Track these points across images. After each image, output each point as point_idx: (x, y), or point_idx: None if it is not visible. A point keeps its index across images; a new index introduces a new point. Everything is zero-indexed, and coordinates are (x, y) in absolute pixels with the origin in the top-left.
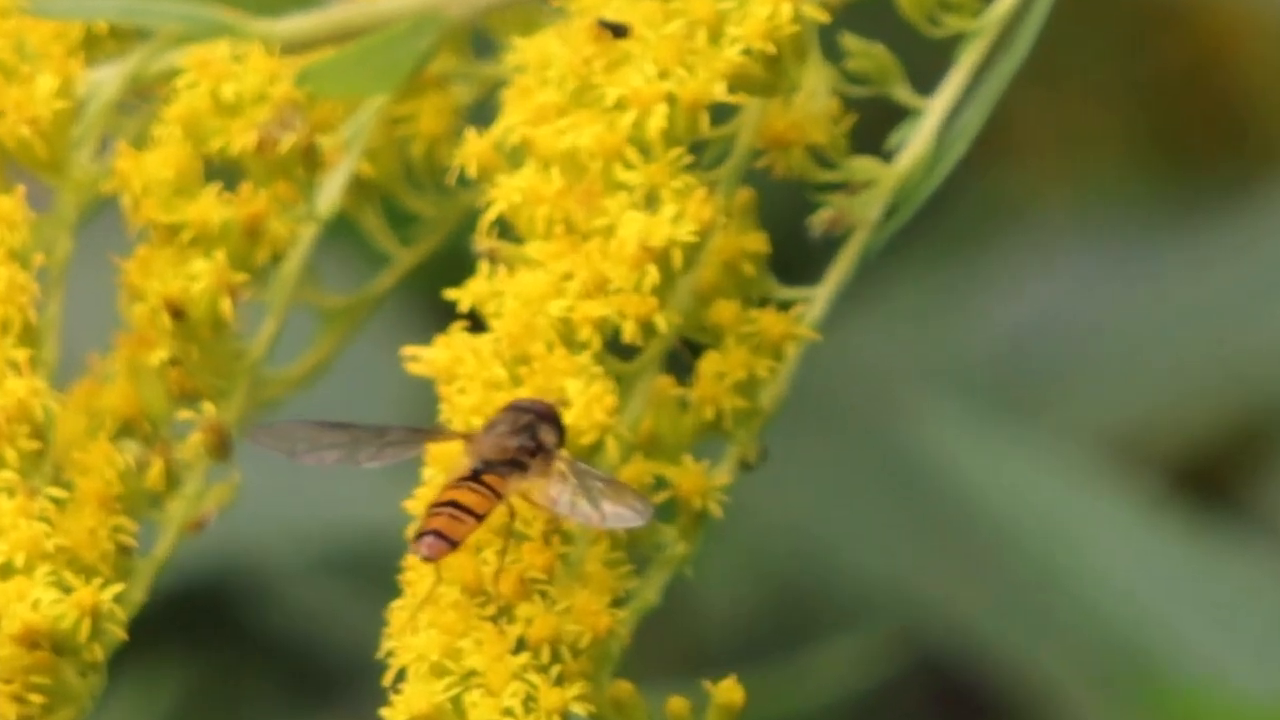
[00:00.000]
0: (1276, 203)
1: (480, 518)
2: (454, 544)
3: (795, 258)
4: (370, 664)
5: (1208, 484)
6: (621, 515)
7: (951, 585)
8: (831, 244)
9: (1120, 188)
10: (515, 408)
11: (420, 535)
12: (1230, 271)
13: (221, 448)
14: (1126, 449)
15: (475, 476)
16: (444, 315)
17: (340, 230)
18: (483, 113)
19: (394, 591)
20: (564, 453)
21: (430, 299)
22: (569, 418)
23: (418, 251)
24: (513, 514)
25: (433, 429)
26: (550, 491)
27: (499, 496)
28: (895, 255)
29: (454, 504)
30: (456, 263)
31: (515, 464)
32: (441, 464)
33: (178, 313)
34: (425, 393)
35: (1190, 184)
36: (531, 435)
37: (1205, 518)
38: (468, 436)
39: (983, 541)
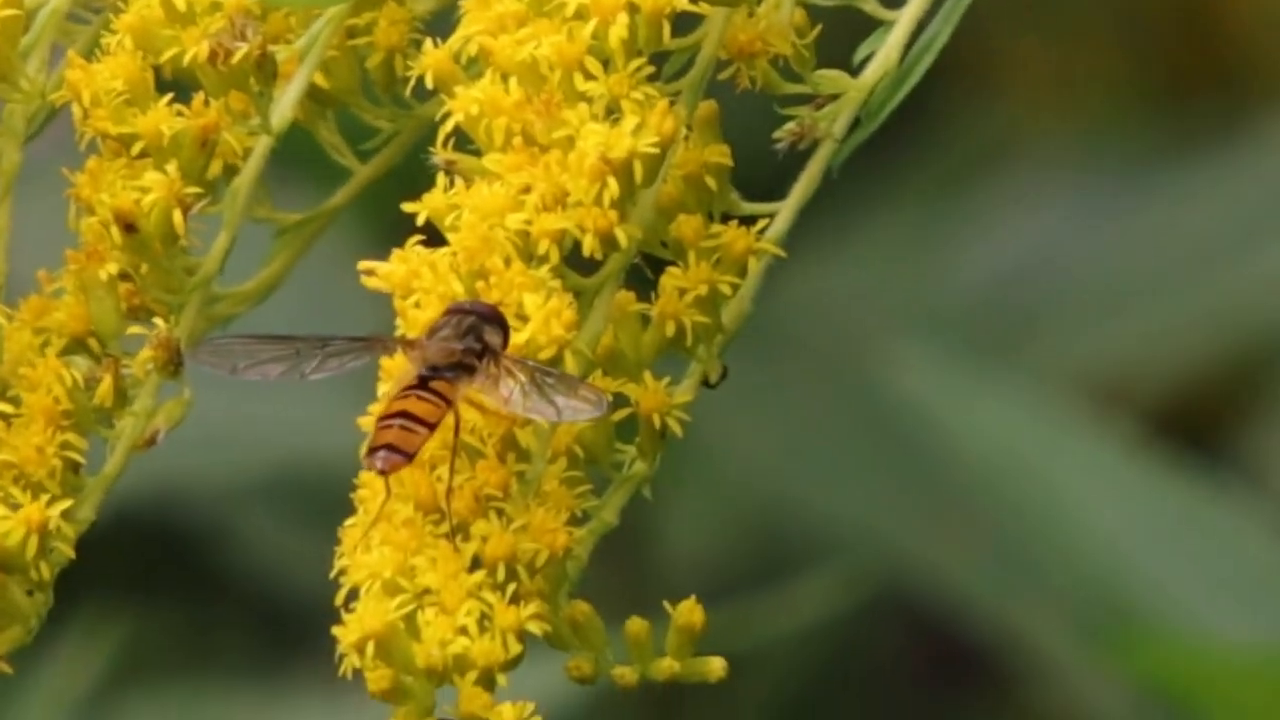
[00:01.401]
0: (1266, 142)
1: (432, 427)
2: (409, 456)
3: (759, 174)
4: (327, 592)
5: (1192, 429)
6: (577, 408)
7: (927, 530)
8: (795, 159)
9: (1110, 127)
10: (457, 310)
11: (373, 450)
12: (1219, 211)
13: (172, 364)
14: (1109, 393)
15: (423, 384)
16: (401, 231)
17: (295, 144)
18: (442, 25)
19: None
20: (511, 353)
21: (387, 214)
22: (526, 332)
23: (374, 166)
24: (458, 428)
25: (375, 337)
26: (501, 391)
27: (449, 404)
28: (881, 194)
29: (404, 414)
30: (413, 177)
31: (462, 367)
32: (395, 379)
33: (129, 226)
34: (383, 309)
35: (1180, 123)
36: (476, 337)
37: (1188, 463)
38: (411, 343)
39: (958, 486)
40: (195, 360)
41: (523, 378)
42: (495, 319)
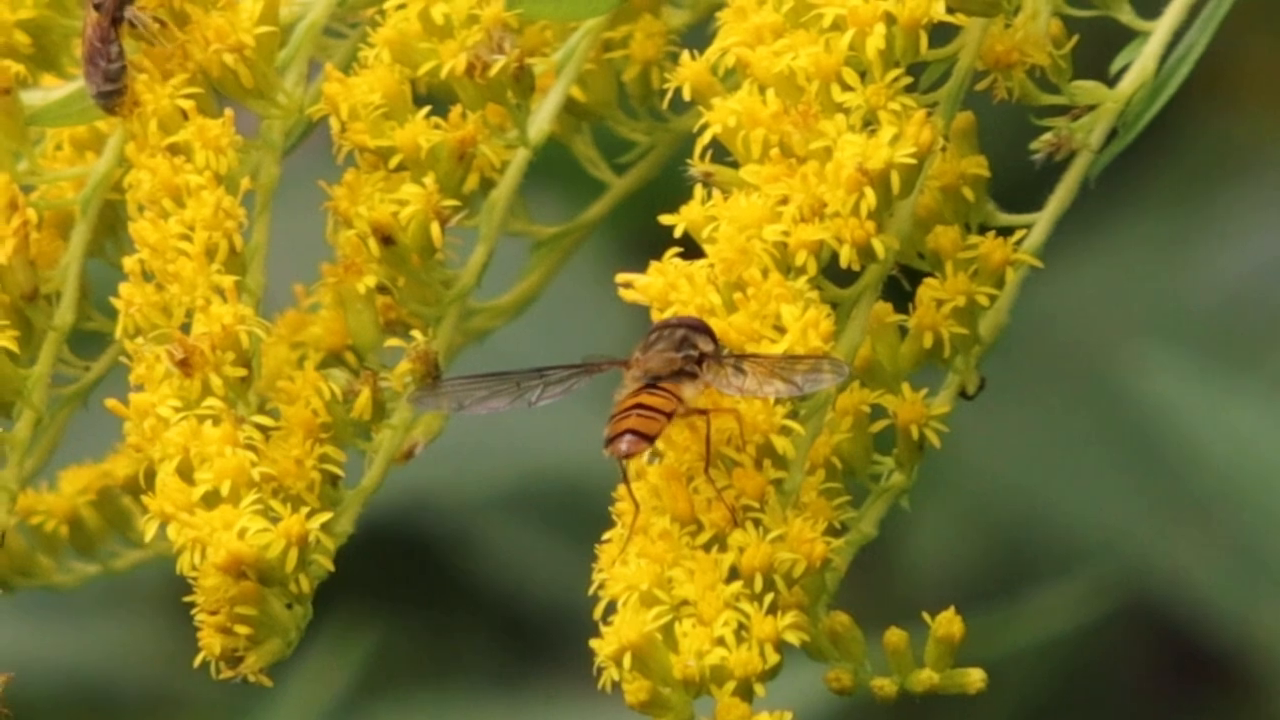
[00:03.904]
0: None
1: (669, 416)
2: (650, 439)
3: (1015, 184)
4: (573, 601)
5: None
6: (817, 379)
7: (1171, 537)
8: (1051, 168)
9: None
10: (666, 325)
11: (614, 437)
12: None
13: (430, 377)
14: None
15: (651, 386)
16: (655, 245)
17: (551, 157)
18: (697, 37)
19: (599, 534)
20: (729, 351)
21: (643, 227)
22: (784, 343)
23: (631, 179)
24: (710, 436)
25: (591, 362)
26: (734, 382)
27: (680, 400)
28: (1123, 203)
29: (640, 405)
30: (669, 190)
31: (684, 373)
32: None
33: (386, 239)
34: (640, 321)
35: None
36: (691, 345)
37: None
38: (627, 363)
39: (1203, 491)
40: (419, 406)
41: (758, 368)
42: (702, 328)
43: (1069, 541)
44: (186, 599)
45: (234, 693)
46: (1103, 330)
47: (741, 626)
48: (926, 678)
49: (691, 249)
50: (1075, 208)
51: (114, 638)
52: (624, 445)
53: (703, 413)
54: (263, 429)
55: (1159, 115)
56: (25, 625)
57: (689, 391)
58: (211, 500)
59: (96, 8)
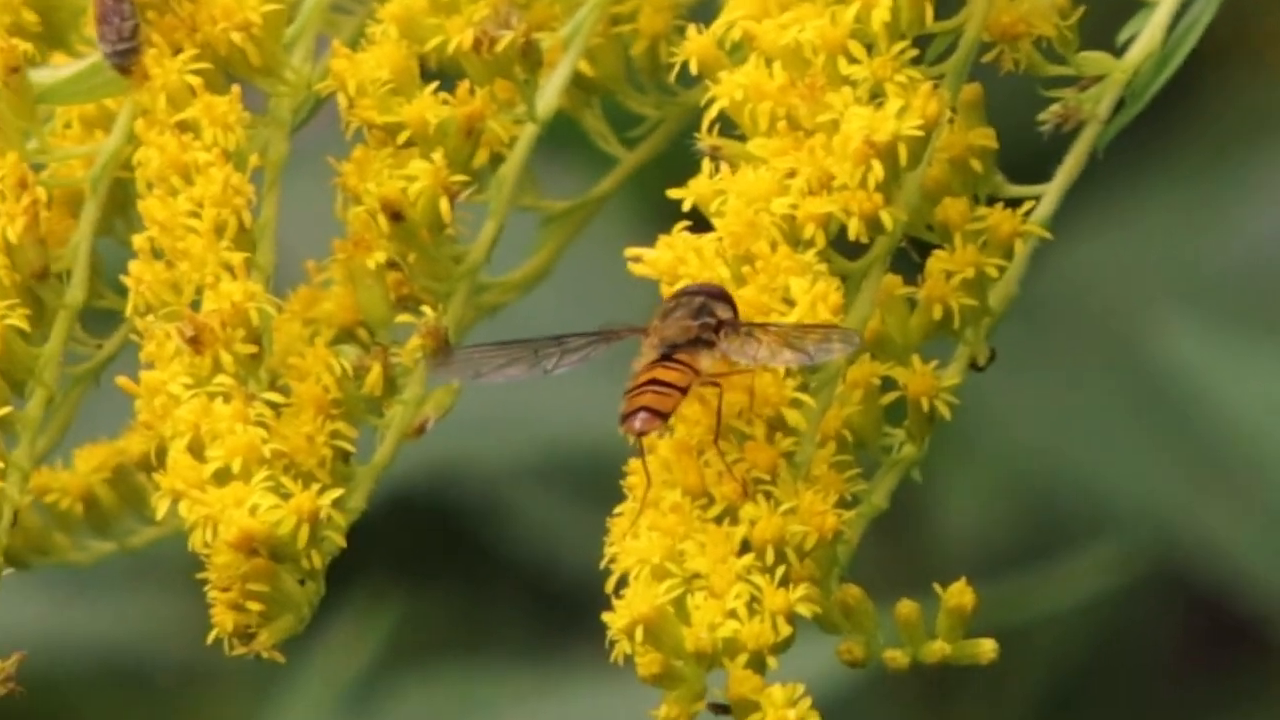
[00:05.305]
0: None
1: (683, 391)
2: (664, 416)
3: (1024, 155)
4: (600, 572)
5: None
6: (829, 348)
7: (1198, 502)
8: (1060, 139)
9: None
10: (685, 293)
11: (629, 415)
12: None
13: (441, 352)
14: None
15: (666, 358)
16: (666, 217)
17: (561, 131)
18: (704, 11)
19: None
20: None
21: (653, 201)
22: (793, 316)
23: (640, 153)
24: (721, 409)
25: (610, 329)
26: (748, 351)
27: (696, 372)
28: (1149, 169)
29: (654, 381)
30: (679, 164)
31: (700, 342)
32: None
33: (395, 215)
34: (650, 295)
35: None
36: (709, 313)
37: None
38: (646, 330)
39: (1230, 456)
40: (436, 374)
41: (770, 338)
42: (722, 296)
43: (1099, 508)
44: (199, 576)
45: (263, 667)
46: (1130, 296)
47: (753, 599)
48: (938, 649)
49: (701, 222)
50: (1097, 174)
51: (142, 614)
52: (638, 423)
53: (715, 384)
54: (273, 406)
55: (1187, 80)
56: (52, 604)
57: (705, 361)
58: (223, 477)
59: None
